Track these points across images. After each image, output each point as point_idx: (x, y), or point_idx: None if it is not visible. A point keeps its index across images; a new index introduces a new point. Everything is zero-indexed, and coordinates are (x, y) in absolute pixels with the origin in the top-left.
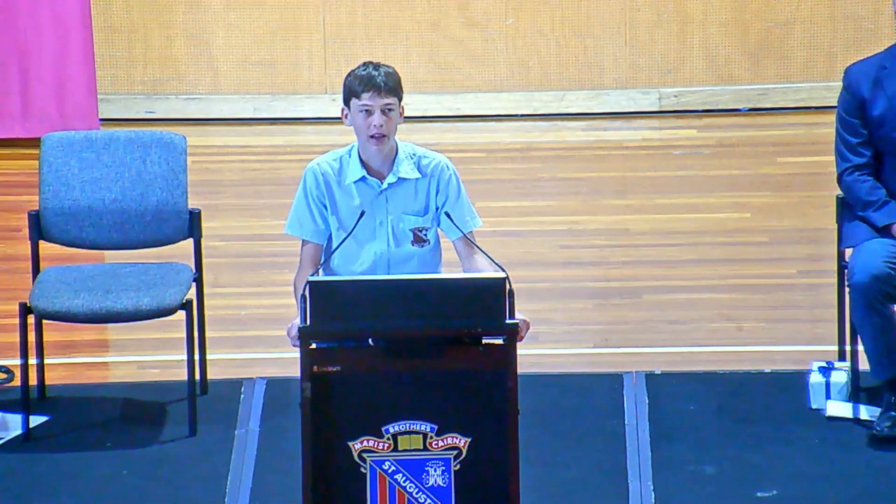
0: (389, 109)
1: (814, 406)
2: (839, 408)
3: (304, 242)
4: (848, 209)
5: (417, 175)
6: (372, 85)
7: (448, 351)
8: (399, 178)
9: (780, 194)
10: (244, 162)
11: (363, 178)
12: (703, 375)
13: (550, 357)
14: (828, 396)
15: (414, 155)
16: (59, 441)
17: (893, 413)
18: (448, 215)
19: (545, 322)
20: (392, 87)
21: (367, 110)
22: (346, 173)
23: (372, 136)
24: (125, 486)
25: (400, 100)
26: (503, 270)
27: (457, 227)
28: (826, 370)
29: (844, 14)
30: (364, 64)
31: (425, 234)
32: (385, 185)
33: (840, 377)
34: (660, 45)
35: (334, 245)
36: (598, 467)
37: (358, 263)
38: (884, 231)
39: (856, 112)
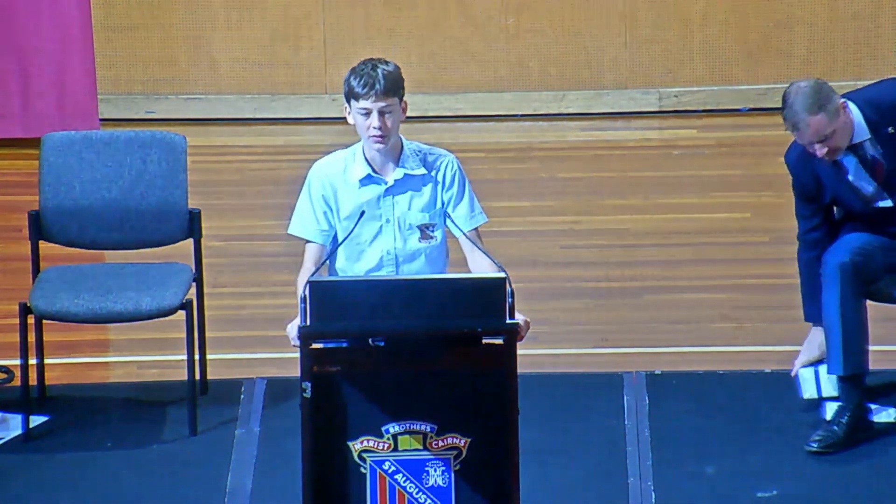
0: (388, 111)
1: (805, 396)
2: (830, 390)
3: (308, 243)
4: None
5: (423, 171)
6: (368, 88)
7: (448, 351)
8: (405, 175)
9: (780, 194)
10: (244, 162)
11: (368, 176)
12: (703, 375)
13: (550, 357)
14: (817, 383)
15: (419, 151)
16: (59, 441)
17: (836, 429)
18: (449, 216)
19: (545, 322)
20: (389, 88)
21: (365, 113)
22: (351, 172)
23: (371, 137)
24: (125, 486)
25: (400, 98)
26: (503, 270)
27: (457, 227)
28: (814, 364)
29: (844, 14)
30: (363, 63)
31: (432, 231)
32: (391, 182)
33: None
34: (660, 45)
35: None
36: (598, 467)
37: (364, 262)
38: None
39: (806, 197)
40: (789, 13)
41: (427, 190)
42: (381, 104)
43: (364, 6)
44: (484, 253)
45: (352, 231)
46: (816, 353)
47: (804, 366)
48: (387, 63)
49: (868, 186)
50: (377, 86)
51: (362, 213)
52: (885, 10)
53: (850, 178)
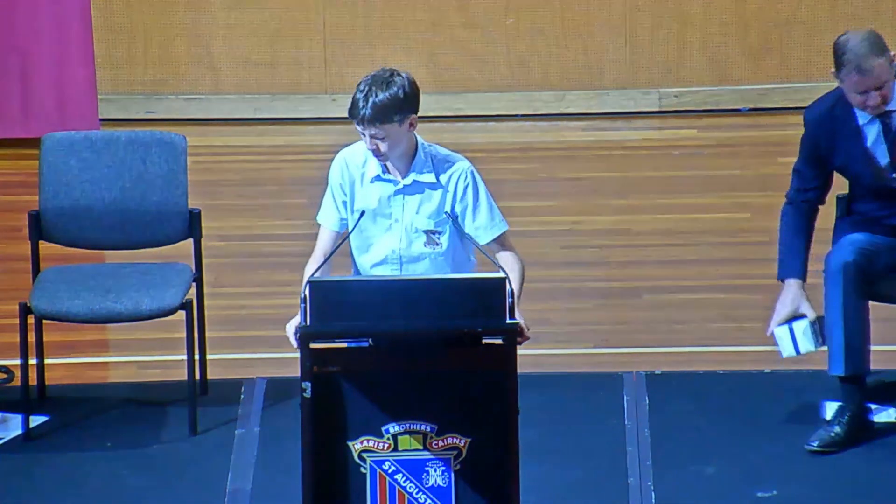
0: (378, 137)
1: (784, 355)
2: (807, 345)
3: (322, 227)
4: (842, 210)
5: (433, 180)
6: (356, 116)
7: (448, 351)
8: (414, 181)
9: (780, 194)
10: (244, 162)
11: (378, 177)
12: (703, 375)
13: (550, 357)
14: (793, 340)
15: (434, 157)
16: (59, 441)
17: (836, 428)
18: (465, 233)
19: (546, 322)
20: (376, 118)
21: (361, 132)
22: (369, 166)
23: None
24: (125, 486)
25: (400, 120)
26: (503, 271)
27: (475, 242)
28: (787, 322)
29: (844, 14)
30: (367, 79)
31: (438, 237)
32: (401, 185)
33: (802, 323)
34: (660, 45)
35: (349, 238)
36: (598, 467)
37: (371, 255)
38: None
39: (814, 157)
40: (789, 13)
41: (436, 197)
42: (370, 131)
43: (364, 6)
44: (493, 261)
45: (353, 228)
46: (789, 309)
47: (779, 325)
48: (388, 85)
49: (883, 158)
50: (363, 113)
51: (362, 213)
52: (884, 10)
53: (868, 144)
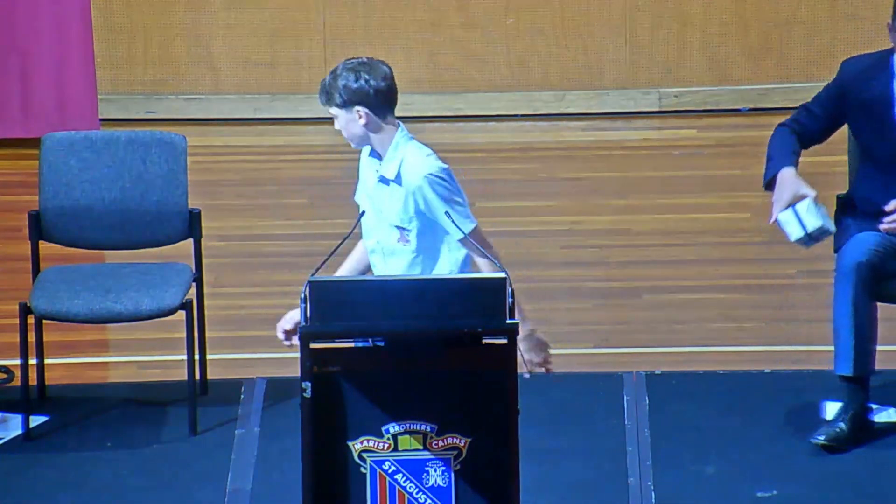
0: (335, 118)
1: (793, 239)
2: (812, 221)
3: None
4: (842, 208)
5: (393, 176)
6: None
7: (448, 351)
8: (381, 175)
9: None
10: (244, 162)
11: (368, 161)
12: (703, 375)
13: (551, 357)
14: (800, 221)
15: (406, 155)
16: (59, 441)
17: (841, 425)
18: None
19: (546, 322)
20: (324, 99)
21: None
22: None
23: None
24: (125, 486)
25: (341, 106)
26: (503, 270)
27: (465, 244)
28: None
29: (844, 14)
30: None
31: (407, 236)
32: (377, 176)
33: (804, 202)
34: (660, 45)
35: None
36: (598, 467)
37: (368, 243)
38: (769, 185)
39: (832, 104)
40: (789, 13)
41: (400, 195)
42: (329, 110)
43: (364, 6)
44: (483, 255)
45: (353, 228)
46: (789, 193)
47: (781, 210)
48: (346, 72)
49: None
50: (319, 94)
51: (362, 213)
52: (884, 10)
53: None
